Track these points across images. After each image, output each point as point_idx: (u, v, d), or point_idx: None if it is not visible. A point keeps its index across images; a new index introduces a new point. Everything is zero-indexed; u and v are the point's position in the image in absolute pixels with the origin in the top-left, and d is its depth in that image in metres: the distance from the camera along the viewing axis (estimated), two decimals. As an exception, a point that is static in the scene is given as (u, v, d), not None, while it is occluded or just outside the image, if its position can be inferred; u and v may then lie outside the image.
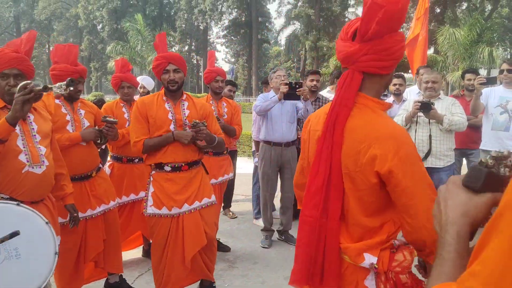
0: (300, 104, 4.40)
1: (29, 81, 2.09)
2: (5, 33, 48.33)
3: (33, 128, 2.32)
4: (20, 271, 1.63)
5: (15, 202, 1.73)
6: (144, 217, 3.86)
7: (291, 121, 4.40)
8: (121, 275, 3.37)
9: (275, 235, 4.65)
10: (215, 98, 4.34)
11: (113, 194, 3.22)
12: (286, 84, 3.99)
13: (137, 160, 3.79)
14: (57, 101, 2.95)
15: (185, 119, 2.88)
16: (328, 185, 1.42)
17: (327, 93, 5.74)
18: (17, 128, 2.21)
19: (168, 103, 2.89)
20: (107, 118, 3.05)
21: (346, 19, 40.99)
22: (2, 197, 2.05)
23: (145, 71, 30.44)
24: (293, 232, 4.61)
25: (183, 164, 2.85)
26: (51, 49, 49.43)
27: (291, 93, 3.98)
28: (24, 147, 2.22)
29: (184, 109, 2.93)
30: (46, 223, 1.79)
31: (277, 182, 4.58)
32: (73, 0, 46.29)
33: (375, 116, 1.43)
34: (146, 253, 4.07)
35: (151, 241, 4.03)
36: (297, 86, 3.98)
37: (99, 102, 4.26)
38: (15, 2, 45.99)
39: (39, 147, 2.30)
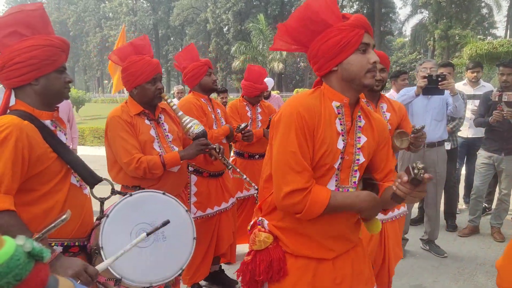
0: (450, 99, 3.92)
1: (208, 141, 2.52)
2: (146, 39, 54.43)
3: (165, 129, 2.48)
4: (167, 252, 1.86)
5: (161, 192, 1.97)
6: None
7: (438, 119, 3.95)
8: (220, 265, 3.51)
9: (416, 245, 4.34)
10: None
11: (235, 188, 3.45)
12: (424, 77, 3.56)
13: (257, 156, 3.96)
14: (202, 99, 3.21)
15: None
16: None
17: (463, 85, 5.22)
18: (153, 131, 2.39)
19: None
20: (240, 127, 3.34)
21: (483, 4, 36.75)
22: None
23: (266, 69, 31.47)
24: (439, 242, 4.28)
25: None
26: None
27: (432, 87, 3.55)
28: (160, 149, 2.37)
29: (383, 110, 2.80)
30: (186, 211, 2.01)
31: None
32: (202, 6, 49.96)
33: None
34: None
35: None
36: (439, 79, 3.54)
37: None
38: (153, 10, 51.51)
39: (172, 147, 2.45)
